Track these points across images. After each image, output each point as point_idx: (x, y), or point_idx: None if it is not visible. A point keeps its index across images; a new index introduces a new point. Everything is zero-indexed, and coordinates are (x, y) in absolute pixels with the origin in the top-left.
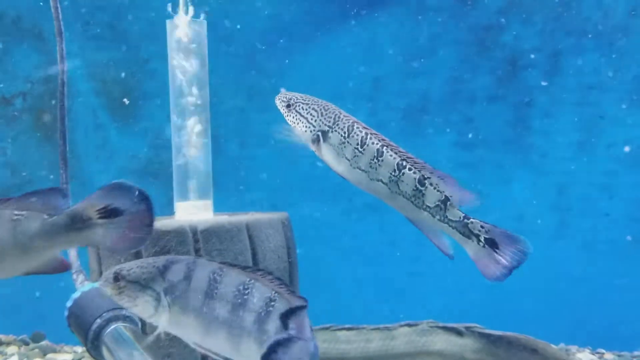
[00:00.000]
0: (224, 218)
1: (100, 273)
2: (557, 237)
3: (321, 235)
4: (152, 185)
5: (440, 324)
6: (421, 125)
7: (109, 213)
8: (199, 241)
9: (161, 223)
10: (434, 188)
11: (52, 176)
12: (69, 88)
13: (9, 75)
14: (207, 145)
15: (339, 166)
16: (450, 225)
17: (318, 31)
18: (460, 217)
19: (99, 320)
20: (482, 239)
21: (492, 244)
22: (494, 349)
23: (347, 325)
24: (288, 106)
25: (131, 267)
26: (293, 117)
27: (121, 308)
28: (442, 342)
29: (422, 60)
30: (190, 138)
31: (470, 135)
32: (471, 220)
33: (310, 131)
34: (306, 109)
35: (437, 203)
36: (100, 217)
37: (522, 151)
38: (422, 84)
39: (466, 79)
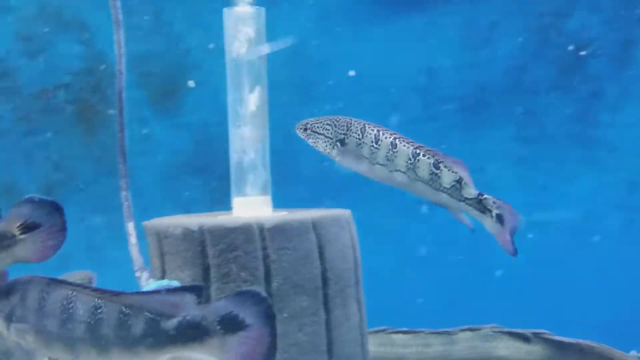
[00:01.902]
0: (291, 215)
1: (163, 271)
2: (625, 238)
3: (369, 234)
4: (195, 179)
5: (505, 329)
6: (478, 118)
7: (28, 228)
8: (265, 239)
9: (226, 219)
10: (448, 170)
11: (100, 174)
12: (113, 79)
13: (52, 67)
14: (266, 139)
15: (360, 166)
16: (467, 203)
17: (368, 21)
18: (475, 195)
19: None
20: (494, 214)
21: (500, 219)
22: (564, 358)
23: (403, 329)
24: (305, 130)
25: None
26: (313, 138)
27: None
28: (506, 348)
29: (480, 49)
30: (249, 132)
31: (531, 129)
32: (485, 196)
33: (330, 144)
34: (320, 127)
35: (452, 183)
36: (21, 233)
37: (587, 146)
38: (480, 75)
39: (527, 69)
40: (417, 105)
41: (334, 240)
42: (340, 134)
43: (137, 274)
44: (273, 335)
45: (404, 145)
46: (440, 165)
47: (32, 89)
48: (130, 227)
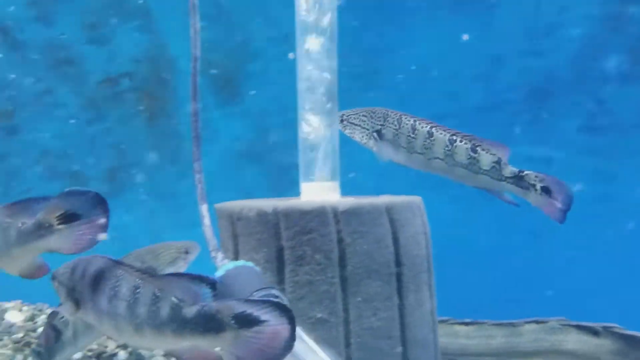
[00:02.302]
0: (364, 199)
1: (236, 252)
2: None
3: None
4: (254, 167)
5: (573, 322)
6: (545, 107)
7: (67, 218)
8: (339, 222)
9: (300, 202)
10: (486, 152)
11: (162, 161)
12: (176, 67)
13: (115, 55)
14: (335, 125)
15: (399, 155)
16: (508, 182)
17: (432, 7)
18: (515, 173)
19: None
20: (538, 187)
21: (547, 190)
22: (635, 353)
23: (466, 320)
24: (341, 121)
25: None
26: (350, 129)
27: (271, 287)
28: (574, 341)
29: (546, 36)
30: (318, 118)
31: (600, 119)
32: (526, 172)
33: (367, 134)
34: (357, 118)
35: (492, 165)
36: (59, 223)
37: None
38: (547, 63)
39: (596, 57)
40: (481, 94)
41: (407, 225)
42: (377, 124)
43: (212, 255)
44: (291, 332)
45: (440, 133)
46: (477, 148)
47: (97, 76)
48: (204, 209)
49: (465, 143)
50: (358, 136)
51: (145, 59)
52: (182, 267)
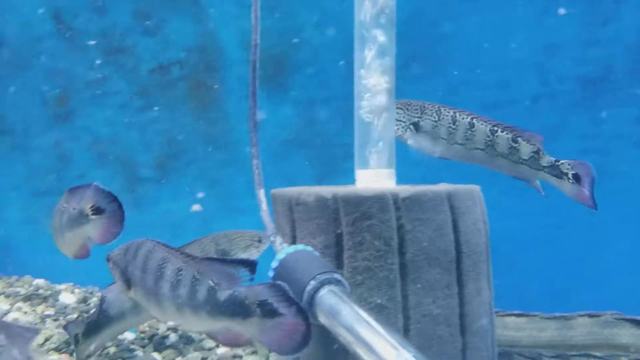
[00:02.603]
0: (424, 187)
1: (294, 237)
2: None
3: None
4: (301, 155)
5: (628, 317)
6: (601, 97)
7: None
8: (400, 209)
9: (359, 189)
10: (526, 142)
11: (210, 149)
12: (225, 56)
13: (166, 44)
14: (392, 111)
15: (437, 147)
16: (545, 171)
17: None
18: (552, 162)
19: (313, 282)
20: (570, 175)
21: (577, 178)
22: None
23: (515, 312)
24: None
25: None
26: None
27: (333, 271)
28: (629, 335)
29: (603, 25)
30: (374, 104)
31: None
32: (561, 161)
33: (402, 127)
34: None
35: (531, 154)
36: (92, 214)
37: None
38: (603, 52)
39: None
40: (535, 83)
41: (467, 213)
42: (414, 117)
43: (271, 238)
44: (307, 327)
45: (482, 124)
46: (518, 139)
47: (148, 65)
48: (261, 194)
49: (507, 133)
50: (394, 129)
51: (196, 48)
52: (254, 255)
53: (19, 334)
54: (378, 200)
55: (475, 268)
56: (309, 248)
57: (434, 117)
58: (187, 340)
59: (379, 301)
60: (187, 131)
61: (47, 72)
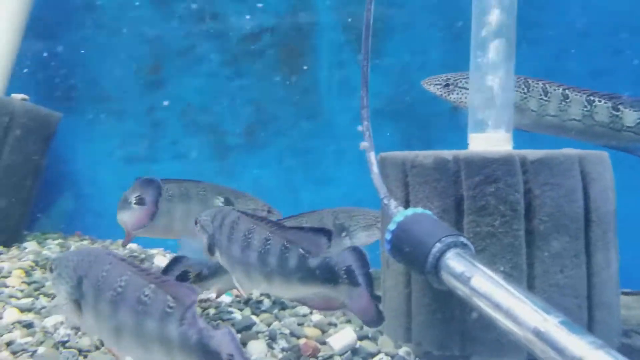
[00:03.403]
0: (554, 150)
1: (407, 202)
2: None
3: None
4: (393, 123)
5: None
6: None
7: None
8: (527, 172)
9: (484, 151)
10: (630, 109)
11: (299, 118)
12: (317, 22)
13: (257, 10)
14: (510, 72)
15: (525, 119)
16: None
17: None
18: None
19: (438, 245)
20: None
21: None
22: None
23: (627, 290)
24: (446, 85)
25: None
26: (458, 94)
27: (459, 234)
28: None
29: None
30: (491, 68)
31: None
32: None
33: None
34: (469, 82)
35: (637, 121)
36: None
37: None
38: None
39: None
40: (633, 52)
41: (598, 179)
42: None
43: (385, 202)
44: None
45: (576, 95)
46: (619, 107)
47: (238, 32)
48: (372, 156)
49: (605, 102)
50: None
51: (287, 14)
52: (375, 235)
53: (184, 294)
54: (505, 163)
55: (604, 237)
56: (428, 211)
57: (522, 89)
58: (281, 306)
59: (502, 269)
60: (277, 100)
61: (140, 39)
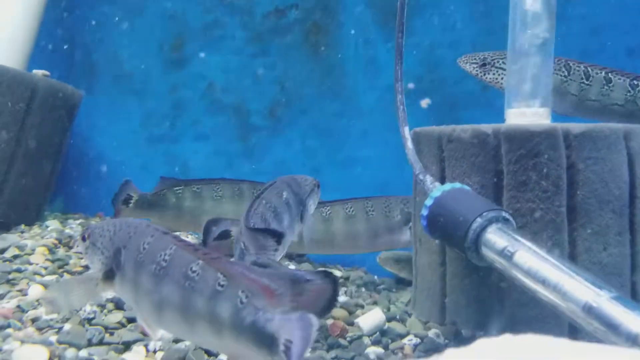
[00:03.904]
0: (600, 124)
1: (443, 177)
2: None
3: None
4: (418, 104)
5: None
6: None
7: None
8: (571, 147)
9: (525, 124)
10: None
11: (324, 97)
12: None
13: None
14: (549, 48)
15: (564, 104)
16: None
17: None
18: None
19: (479, 220)
20: None
21: None
22: None
23: None
24: (483, 65)
25: None
26: (494, 74)
27: (500, 208)
28: None
29: None
30: (531, 42)
31: None
32: None
33: None
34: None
35: None
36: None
37: None
38: None
39: None
40: None
41: None
42: None
43: (420, 177)
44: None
45: (619, 79)
46: None
47: (264, 8)
48: (406, 131)
49: None
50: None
51: None
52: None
53: (236, 272)
54: (548, 136)
55: None
56: (466, 187)
57: (563, 72)
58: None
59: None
60: (301, 78)
61: (162, 17)
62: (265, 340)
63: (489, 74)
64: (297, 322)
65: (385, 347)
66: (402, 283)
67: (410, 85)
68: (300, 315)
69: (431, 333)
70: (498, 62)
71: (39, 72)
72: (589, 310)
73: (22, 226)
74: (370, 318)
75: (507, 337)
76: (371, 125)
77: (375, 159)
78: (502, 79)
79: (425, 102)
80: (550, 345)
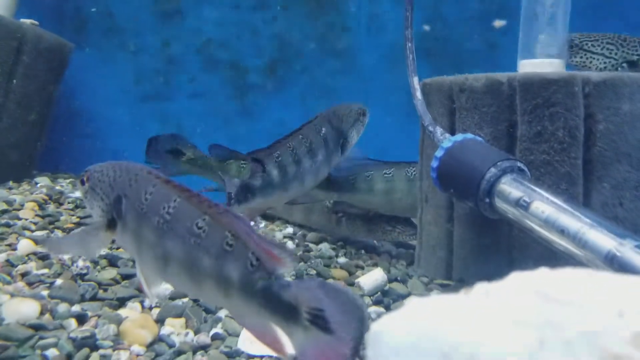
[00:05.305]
0: (620, 72)
1: (453, 129)
2: None
3: None
4: (424, 62)
5: None
6: None
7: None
8: (589, 96)
9: (542, 72)
10: None
11: (325, 54)
12: None
13: None
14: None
15: None
16: None
17: None
18: None
19: (493, 170)
20: None
21: None
22: None
23: None
24: (572, 47)
25: None
26: (582, 57)
27: (514, 158)
28: None
29: None
30: None
31: None
32: None
33: (611, 65)
34: (597, 45)
35: None
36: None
37: None
38: None
39: None
40: None
41: None
42: (632, 54)
43: (430, 129)
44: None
45: None
46: None
47: None
48: (415, 81)
49: None
50: (596, 65)
51: None
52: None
53: (244, 230)
54: (565, 84)
55: None
56: (479, 138)
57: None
58: (305, 249)
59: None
60: (302, 35)
61: None
62: (281, 307)
63: (576, 56)
64: (319, 289)
65: (387, 307)
66: (402, 246)
67: (426, 27)
68: (319, 281)
69: (433, 294)
70: (587, 44)
71: (27, 21)
72: (612, 259)
73: (10, 182)
74: (371, 278)
75: (543, 270)
76: (373, 84)
77: (376, 119)
78: (590, 62)
79: (498, 23)
80: (592, 278)
